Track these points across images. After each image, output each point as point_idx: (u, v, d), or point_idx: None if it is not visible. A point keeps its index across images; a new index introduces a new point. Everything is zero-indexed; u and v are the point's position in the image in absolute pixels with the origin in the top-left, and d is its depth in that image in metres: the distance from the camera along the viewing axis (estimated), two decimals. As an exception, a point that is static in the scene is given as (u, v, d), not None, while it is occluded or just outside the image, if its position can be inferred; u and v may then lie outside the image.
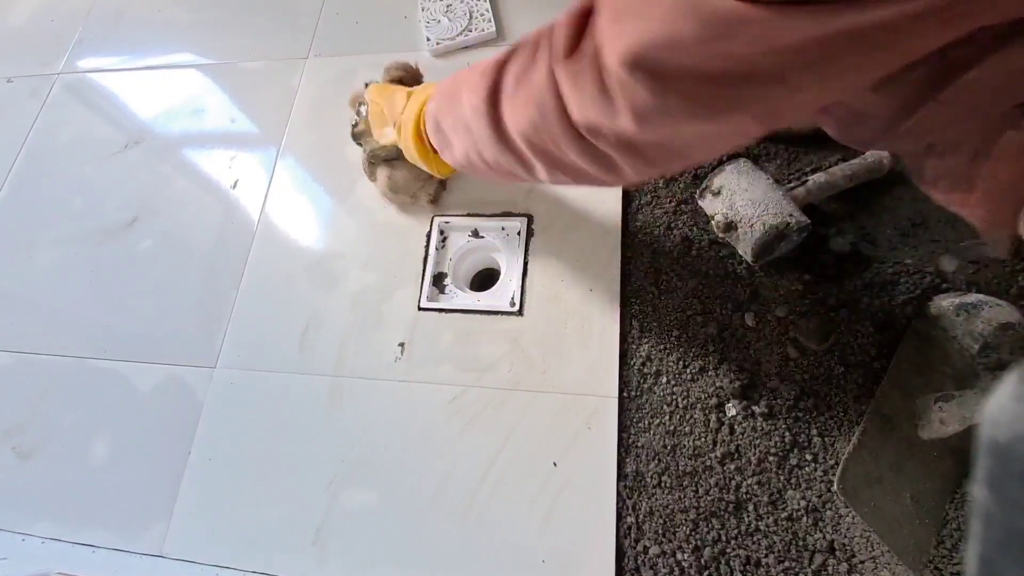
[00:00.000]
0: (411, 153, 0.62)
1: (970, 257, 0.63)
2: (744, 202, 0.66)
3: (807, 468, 0.60)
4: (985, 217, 0.39)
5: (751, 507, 0.59)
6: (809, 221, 0.63)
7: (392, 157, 0.71)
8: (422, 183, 0.74)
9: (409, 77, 0.74)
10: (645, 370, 0.66)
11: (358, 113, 0.73)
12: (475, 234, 0.78)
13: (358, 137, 0.73)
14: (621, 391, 0.66)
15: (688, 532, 0.59)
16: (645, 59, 0.31)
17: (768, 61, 0.28)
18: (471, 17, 0.91)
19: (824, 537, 0.57)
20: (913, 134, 0.38)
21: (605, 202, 0.75)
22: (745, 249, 0.66)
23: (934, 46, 0.27)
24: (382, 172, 0.74)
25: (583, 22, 0.36)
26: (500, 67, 0.43)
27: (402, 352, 0.72)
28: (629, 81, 0.32)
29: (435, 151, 0.60)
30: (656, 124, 0.34)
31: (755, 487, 0.60)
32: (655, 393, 0.65)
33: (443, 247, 0.78)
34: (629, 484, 0.62)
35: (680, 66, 0.30)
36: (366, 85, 0.72)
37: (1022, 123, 0.33)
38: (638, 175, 0.41)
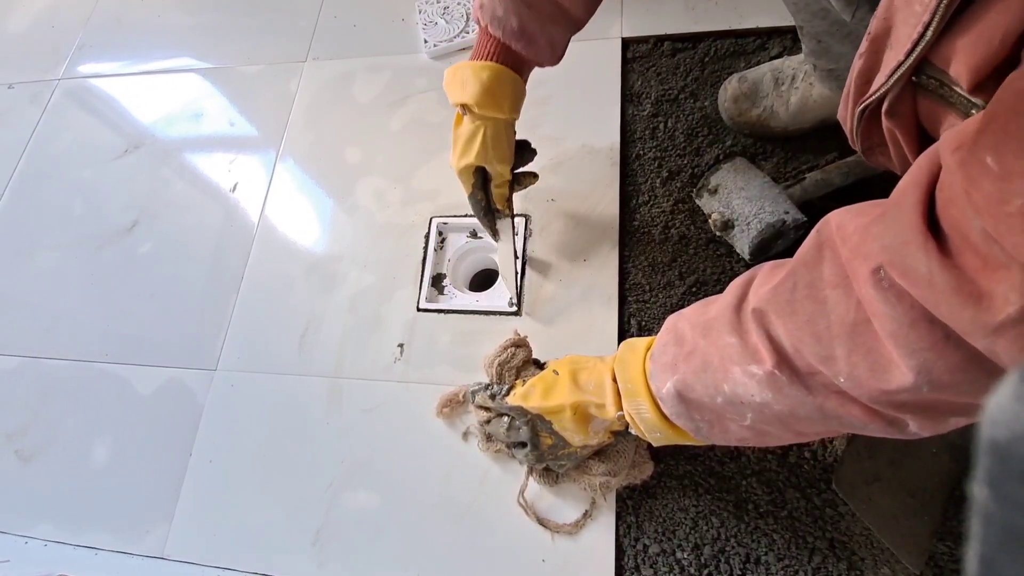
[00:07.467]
0: (663, 439, 0.49)
1: None
2: (741, 200, 0.66)
3: (806, 466, 0.60)
4: None
5: (751, 506, 0.59)
6: (806, 218, 0.63)
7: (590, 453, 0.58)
8: (632, 456, 0.60)
9: (526, 351, 0.64)
10: (644, 369, 0.66)
11: (511, 428, 0.57)
12: (473, 235, 0.78)
13: (539, 459, 0.58)
14: (620, 390, 0.66)
15: (688, 530, 0.59)
16: None
17: None
18: (468, 19, 0.91)
19: (824, 535, 0.57)
20: None
21: (603, 202, 0.75)
22: (742, 247, 0.66)
23: None
24: (600, 466, 0.59)
25: None
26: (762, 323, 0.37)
27: (401, 353, 0.72)
28: None
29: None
30: None
31: (755, 485, 0.60)
32: (654, 392, 0.65)
33: (442, 248, 0.78)
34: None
35: None
36: (492, 396, 0.58)
37: None
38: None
